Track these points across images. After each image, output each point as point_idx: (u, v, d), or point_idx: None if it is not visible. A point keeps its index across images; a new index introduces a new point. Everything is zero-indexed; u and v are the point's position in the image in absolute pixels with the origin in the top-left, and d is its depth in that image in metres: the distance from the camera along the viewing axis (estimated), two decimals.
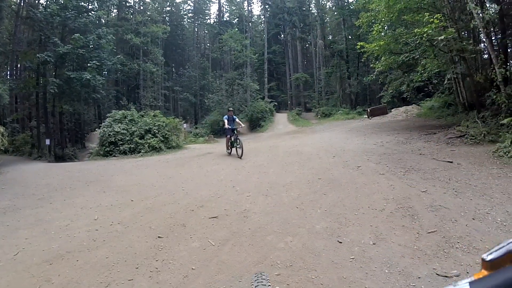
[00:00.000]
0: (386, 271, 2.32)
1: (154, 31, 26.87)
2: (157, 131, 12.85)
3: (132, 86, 28.87)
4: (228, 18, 40.62)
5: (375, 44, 9.49)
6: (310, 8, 35.55)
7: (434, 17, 7.30)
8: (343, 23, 26.03)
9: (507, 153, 5.15)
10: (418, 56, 9.39)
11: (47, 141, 17.48)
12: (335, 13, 28.39)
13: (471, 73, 8.71)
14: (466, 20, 8.09)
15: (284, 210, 3.79)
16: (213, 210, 3.98)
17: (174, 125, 14.23)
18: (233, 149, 8.42)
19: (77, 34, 17.17)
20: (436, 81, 13.03)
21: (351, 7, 24.42)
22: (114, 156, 11.92)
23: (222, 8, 40.98)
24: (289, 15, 31.78)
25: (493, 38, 8.25)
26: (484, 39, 7.90)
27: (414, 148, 6.88)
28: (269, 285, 0.77)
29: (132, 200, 4.76)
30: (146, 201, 4.70)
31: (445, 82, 10.96)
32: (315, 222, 3.35)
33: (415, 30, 7.75)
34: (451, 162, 5.25)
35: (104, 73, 22.66)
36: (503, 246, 0.34)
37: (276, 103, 29.34)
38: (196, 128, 24.97)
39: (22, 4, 18.84)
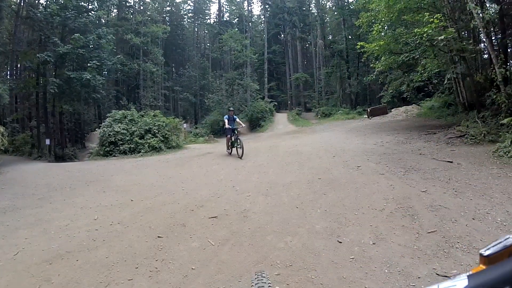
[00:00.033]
0: (386, 271, 2.32)
1: (154, 31, 26.87)
2: (157, 131, 12.85)
3: (132, 86, 28.87)
4: (228, 18, 40.60)
5: (375, 44, 9.49)
6: (310, 8, 35.57)
7: (434, 17, 7.30)
8: (343, 23, 26.01)
9: (507, 153, 5.14)
10: (418, 56, 9.40)
11: (47, 141, 17.48)
12: (335, 13, 28.38)
13: (471, 73, 8.70)
14: (466, 20, 8.09)
15: (284, 210, 3.79)
16: (213, 210, 3.98)
17: (174, 125, 14.24)
18: (233, 149, 8.39)
19: (77, 34, 17.17)
20: (436, 81, 13.03)
21: (351, 7, 24.41)
22: (114, 156, 11.93)
23: (222, 8, 41.00)
24: (289, 15, 31.77)
25: (493, 38, 8.24)
26: (484, 39, 7.90)
27: (414, 148, 6.88)
28: (269, 284, 0.77)
29: (132, 200, 4.76)
30: (146, 201, 4.70)
31: (445, 82, 10.95)
32: (315, 222, 3.35)
33: (415, 30, 7.75)
34: (451, 162, 5.25)
35: (104, 73, 22.67)
36: (500, 242, 0.35)
37: (276, 103, 29.33)
38: (196, 128, 24.97)
39: (22, 4, 18.83)
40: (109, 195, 5.20)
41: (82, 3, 20.40)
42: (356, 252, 2.63)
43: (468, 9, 7.14)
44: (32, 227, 3.76)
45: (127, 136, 12.44)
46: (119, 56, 22.28)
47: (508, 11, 8.01)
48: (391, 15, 8.93)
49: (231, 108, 9.35)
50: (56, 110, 19.31)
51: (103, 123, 13.40)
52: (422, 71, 10.28)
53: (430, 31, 7.41)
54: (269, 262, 2.60)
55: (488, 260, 0.35)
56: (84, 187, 6.07)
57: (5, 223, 3.98)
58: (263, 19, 36.26)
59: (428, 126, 9.85)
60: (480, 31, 7.71)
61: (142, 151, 12.01)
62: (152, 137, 12.60)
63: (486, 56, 9.06)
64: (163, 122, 13.47)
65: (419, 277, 2.21)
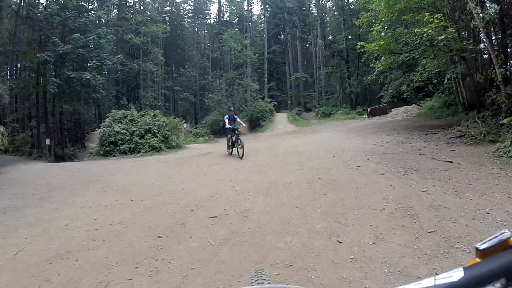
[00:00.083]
0: (386, 271, 2.32)
1: (154, 31, 26.86)
2: (157, 131, 12.86)
3: (132, 86, 28.88)
4: (228, 18, 40.60)
5: (375, 44, 9.49)
6: (310, 8, 35.57)
7: (434, 17, 7.30)
8: (343, 23, 26.02)
9: (507, 153, 5.14)
10: (418, 56, 9.40)
11: (47, 141, 17.48)
12: (335, 13, 28.38)
13: (471, 73, 8.70)
14: (466, 20, 8.09)
15: (284, 210, 3.79)
16: (213, 210, 3.98)
17: (174, 125, 14.24)
18: (234, 149, 8.34)
19: (77, 34, 17.17)
20: (436, 81, 13.03)
21: (351, 7, 24.41)
22: (114, 156, 11.93)
23: (222, 8, 41.00)
24: (289, 15, 31.77)
25: (493, 38, 8.24)
26: (484, 39, 7.90)
27: (414, 148, 6.88)
28: (269, 282, 0.77)
29: (132, 200, 4.76)
30: (145, 200, 4.70)
31: (445, 82, 10.95)
32: (315, 222, 3.35)
33: (415, 30, 7.75)
34: (451, 162, 5.25)
35: (104, 73, 22.69)
36: (495, 237, 0.36)
37: (276, 103, 29.32)
38: (196, 128, 24.98)
39: (22, 4, 18.83)
40: (109, 195, 5.20)
41: (82, 3, 20.40)
42: (356, 252, 2.63)
43: (468, 9, 7.14)
44: (32, 227, 3.76)
45: (127, 136, 12.44)
46: (119, 56, 22.28)
47: (508, 11, 8.01)
48: (391, 15, 8.93)
49: (232, 108, 9.26)
50: (56, 110, 19.31)
51: (103, 123, 13.40)
52: (422, 71, 10.28)
53: (430, 31, 7.41)
54: (269, 262, 2.59)
55: (483, 254, 0.35)
56: (84, 187, 6.07)
57: (5, 223, 3.98)
58: (263, 19, 36.27)
59: (428, 126, 9.85)
60: (480, 31, 7.71)
61: (142, 151, 12.01)
62: (152, 137, 12.61)
63: (486, 56, 9.06)
64: (163, 122, 13.47)
65: (419, 277, 2.21)
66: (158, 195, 5.00)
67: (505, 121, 6.31)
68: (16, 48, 18.58)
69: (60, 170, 8.74)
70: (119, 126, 12.60)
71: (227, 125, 8.09)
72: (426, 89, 15.38)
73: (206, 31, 42.61)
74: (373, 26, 9.94)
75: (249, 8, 40.74)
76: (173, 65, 37.77)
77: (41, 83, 18.81)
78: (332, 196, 4.12)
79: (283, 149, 8.71)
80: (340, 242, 2.83)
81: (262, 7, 36.38)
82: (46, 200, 5.11)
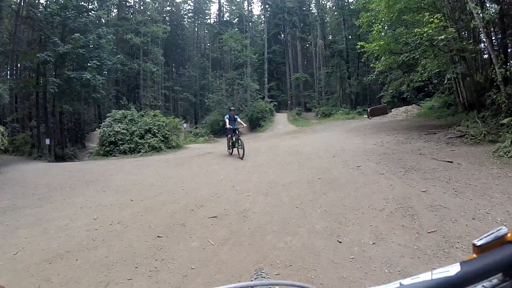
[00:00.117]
0: (386, 270, 2.32)
1: (154, 31, 26.87)
2: (157, 131, 12.86)
3: (132, 85, 28.88)
4: (228, 18, 40.61)
5: (375, 44, 9.49)
6: (310, 8, 35.57)
7: (434, 17, 7.30)
8: (343, 23, 26.02)
9: (507, 153, 5.14)
10: (418, 56, 9.40)
11: (47, 141, 17.49)
12: (335, 13, 28.40)
13: (471, 73, 8.70)
14: (466, 20, 8.09)
15: (283, 210, 3.79)
16: (213, 210, 3.98)
17: (174, 125, 14.25)
18: (234, 149, 8.29)
19: (77, 34, 17.17)
20: (436, 81, 13.03)
21: (351, 7, 24.41)
22: (114, 155, 11.93)
23: (222, 8, 41.01)
24: (289, 15, 31.77)
25: (493, 38, 8.24)
26: (484, 39, 7.90)
27: (414, 148, 6.88)
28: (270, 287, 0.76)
29: (131, 200, 4.76)
30: (145, 200, 4.70)
31: (445, 82, 10.96)
32: (314, 221, 3.35)
33: (415, 30, 7.75)
34: (451, 162, 5.25)
35: (104, 73, 22.69)
36: (492, 233, 0.36)
37: (276, 103, 29.33)
38: (196, 128, 24.98)
39: (22, 3, 18.84)
40: (109, 195, 5.20)
41: (82, 3, 20.41)
42: (356, 252, 2.63)
43: (468, 9, 7.14)
44: (32, 227, 3.76)
45: (127, 136, 12.45)
46: (119, 56, 22.28)
47: (508, 11, 8.01)
48: (391, 15, 8.93)
49: (232, 108, 9.15)
50: (56, 110, 19.31)
51: (103, 123, 13.40)
52: (422, 71, 10.27)
53: (430, 31, 7.41)
54: (268, 262, 2.59)
55: (480, 249, 0.36)
56: (84, 187, 6.07)
57: (5, 222, 3.97)
58: (263, 19, 36.28)
59: (428, 126, 9.85)
60: (480, 31, 7.71)
61: (142, 151, 12.02)
62: (152, 137, 12.61)
63: (486, 56, 9.06)
64: (163, 122, 13.47)
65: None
66: (158, 195, 5.00)
67: (505, 121, 6.31)
68: (16, 48, 18.59)
69: (60, 170, 8.74)
70: (119, 126, 12.60)
71: (228, 125, 8.04)
72: (426, 89, 15.39)
73: (206, 31, 42.62)
74: (373, 26, 9.94)
75: (249, 8, 40.80)
76: (173, 65, 37.78)
77: (41, 83, 18.82)
78: (332, 196, 4.12)
79: (283, 149, 8.71)
80: (340, 242, 2.83)
81: (262, 7, 36.43)
82: (46, 200, 5.11)
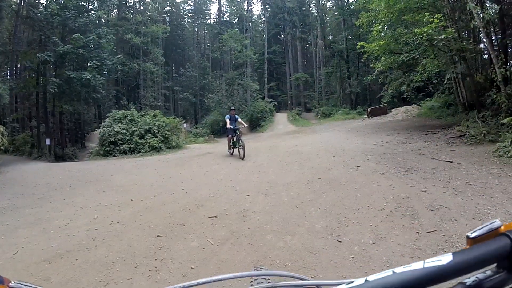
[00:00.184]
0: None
1: (154, 31, 26.87)
2: (157, 131, 12.85)
3: (132, 86, 28.88)
4: (228, 18, 40.62)
5: (375, 44, 9.49)
6: (310, 8, 35.56)
7: (434, 17, 7.30)
8: (343, 23, 26.01)
9: (507, 152, 5.14)
10: (418, 56, 9.40)
11: (47, 141, 17.48)
12: (335, 13, 28.40)
13: (471, 73, 8.70)
14: (466, 20, 8.09)
15: (283, 210, 3.79)
16: (213, 210, 3.98)
17: (174, 125, 14.24)
18: (235, 149, 8.23)
19: (77, 34, 17.17)
20: (436, 81, 13.03)
21: (351, 7, 24.42)
22: (114, 155, 11.93)
23: (222, 8, 41.02)
24: (289, 15, 31.77)
25: (493, 38, 8.24)
26: (484, 39, 7.90)
27: (414, 148, 6.88)
28: (269, 281, 0.78)
29: (131, 200, 4.76)
30: (145, 200, 4.70)
31: (445, 82, 10.95)
32: (314, 221, 3.35)
33: (415, 30, 7.75)
34: (451, 161, 5.25)
35: (104, 73, 22.65)
36: (486, 225, 0.37)
37: (276, 103, 29.31)
38: (196, 128, 24.98)
39: (22, 3, 18.83)
40: (109, 195, 5.20)
41: (82, 3, 20.42)
42: (356, 252, 2.63)
43: (468, 9, 7.14)
44: (32, 227, 3.76)
45: (127, 136, 12.44)
46: (119, 56, 22.28)
47: (508, 11, 8.01)
48: (391, 15, 8.93)
49: (233, 108, 9.06)
50: (56, 110, 19.31)
51: (103, 123, 13.40)
52: (422, 71, 10.27)
53: (430, 31, 7.41)
54: (268, 261, 2.59)
55: (474, 241, 0.36)
56: (84, 186, 6.07)
57: (5, 222, 3.97)
58: (263, 19, 36.29)
59: (428, 126, 9.85)
60: (480, 31, 7.72)
61: (142, 151, 12.01)
62: (152, 137, 12.60)
63: (486, 56, 9.06)
64: (163, 122, 13.47)
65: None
66: (158, 195, 5.00)
67: (505, 121, 6.31)
68: (16, 48, 18.58)
69: (60, 170, 8.74)
70: (119, 126, 12.60)
71: (228, 125, 7.97)
72: (426, 89, 15.38)
73: (206, 31, 42.63)
74: (373, 26, 9.94)
75: (249, 8, 40.81)
76: (173, 65, 37.79)
77: (41, 83, 18.81)
78: (332, 196, 4.12)
79: (283, 149, 8.71)
80: (340, 242, 2.83)
81: (262, 7, 36.43)
82: (46, 199, 5.11)
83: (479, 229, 0.37)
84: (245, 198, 4.38)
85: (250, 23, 38.59)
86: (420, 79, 11.05)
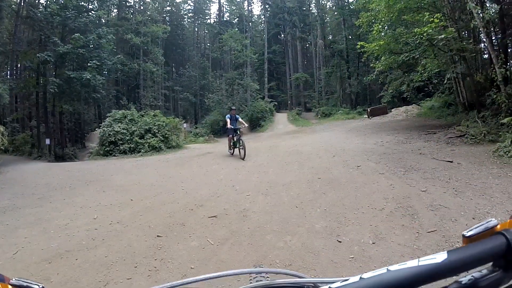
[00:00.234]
0: None
1: (154, 31, 26.86)
2: (157, 131, 12.85)
3: (132, 85, 28.88)
4: (228, 18, 40.60)
5: (375, 44, 9.49)
6: (310, 8, 35.55)
7: (434, 17, 7.30)
8: (343, 23, 26.01)
9: (507, 152, 5.14)
10: (418, 56, 9.39)
11: (47, 141, 17.48)
12: (335, 13, 28.39)
13: (471, 72, 8.70)
14: (466, 19, 8.08)
15: (283, 210, 3.79)
16: (213, 210, 3.97)
17: (174, 124, 14.24)
18: (235, 149, 8.18)
19: (77, 34, 17.17)
20: (436, 81, 13.03)
21: (351, 7, 24.41)
22: (114, 155, 11.93)
23: (222, 8, 41.00)
24: (289, 15, 31.76)
25: (493, 37, 8.24)
26: (484, 39, 7.90)
27: (414, 147, 6.88)
28: (268, 278, 0.78)
29: (131, 200, 4.76)
30: (145, 200, 4.69)
31: (445, 82, 10.95)
32: (314, 221, 3.35)
33: (415, 30, 7.75)
34: (451, 161, 5.24)
35: (104, 73, 22.66)
36: (482, 224, 0.37)
37: (276, 103, 29.31)
38: (196, 128, 24.97)
39: (22, 3, 18.83)
40: (109, 195, 5.20)
41: (82, 3, 20.42)
42: (355, 252, 2.63)
43: (468, 9, 7.13)
44: (32, 227, 3.76)
45: (127, 136, 12.44)
46: (119, 56, 22.27)
47: (508, 11, 8.01)
48: (391, 15, 8.93)
49: (233, 107, 8.95)
50: (56, 110, 19.31)
51: (103, 123, 13.41)
52: (422, 71, 10.27)
53: (430, 30, 7.41)
54: (268, 261, 2.59)
55: (470, 240, 0.36)
56: (84, 186, 6.07)
57: (5, 222, 3.97)
58: (263, 19, 36.28)
59: (428, 126, 9.84)
60: (480, 31, 7.71)
61: (142, 150, 12.01)
62: (152, 137, 12.60)
63: (486, 56, 9.06)
64: (163, 122, 13.47)
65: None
66: (158, 194, 5.00)
67: (505, 120, 6.31)
68: (16, 48, 18.58)
69: (60, 170, 8.74)
70: (119, 126, 12.60)
71: (229, 125, 7.90)
72: (426, 89, 15.38)
73: (206, 31, 42.61)
74: (373, 26, 9.94)
75: (249, 8, 40.79)
76: (173, 65, 37.78)
77: (41, 83, 18.81)
78: (332, 196, 4.12)
79: (283, 149, 8.71)
80: (340, 242, 2.83)
81: (262, 7, 36.42)
82: (46, 199, 5.11)
83: (475, 228, 0.37)
84: (245, 198, 4.38)
85: (250, 23, 38.58)
86: (420, 79, 11.05)
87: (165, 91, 30.84)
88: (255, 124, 22.53)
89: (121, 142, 12.25)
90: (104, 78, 21.16)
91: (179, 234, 3.28)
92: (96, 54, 18.85)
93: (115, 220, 3.84)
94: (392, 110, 17.12)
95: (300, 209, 3.74)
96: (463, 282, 0.34)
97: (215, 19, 41.99)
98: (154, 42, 28.25)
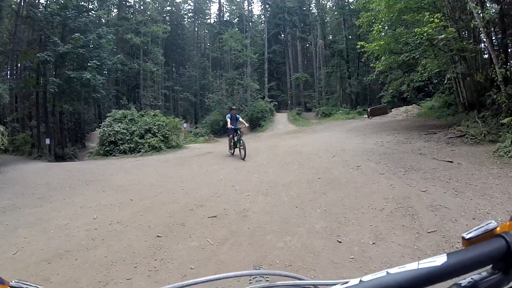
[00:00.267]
0: None
1: (154, 31, 26.86)
2: (157, 131, 12.86)
3: (132, 85, 28.88)
4: (228, 18, 40.61)
5: (375, 43, 9.48)
6: (311, 8, 35.53)
7: (434, 17, 7.29)
8: (344, 22, 26.02)
9: (507, 152, 5.14)
10: (418, 56, 9.39)
11: (47, 141, 17.48)
12: (336, 12, 28.39)
13: (471, 72, 8.69)
14: (466, 19, 8.08)
15: (283, 210, 3.78)
16: (213, 210, 3.97)
17: (174, 124, 14.24)
18: (236, 149, 8.13)
19: (77, 34, 17.17)
20: (436, 81, 13.03)
21: (351, 7, 24.40)
22: (114, 155, 11.93)
23: (222, 8, 41.01)
24: (289, 15, 31.76)
25: (493, 37, 8.23)
26: (485, 39, 7.89)
27: (414, 147, 6.87)
28: (267, 280, 0.78)
29: (131, 200, 4.75)
30: (145, 200, 4.69)
31: (445, 82, 10.95)
32: (314, 221, 3.35)
33: (415, 30, 7.75)
34: (451, 161, 5.24)
35: (104, 73, 22.66)
36: (482, 226, 0.37)
37: (276, 103, 29.31)
38: (196, 127, 24.97)
39: (22, 3, 18.83)
40: (109, 195, 5.19)
41: (82, 2, 20.41)
42: (355, 252, 2.62)
43: (468, 8, 7.13)
44: (32, 227, 3.76)
45: (127, 136, 12.44)
46: (119, 55, 22.26)
47: (509, 11, 8.00)
48: (391, 15, 8.92)
49: (234, 107, 8.85)
50: (56, 109, 19.31)
51: (103, 123, 13.41)
52: (422, 71, 10.27)
53: (430, 30, 7.41)
54: (268, 261, 2.59)
55: (469, 242, 0.36)
56: (84, 186, 6.06)
57: (5, 222, 3.97)
58: (263, 19, 36.27)
59: (428, 126, 9.84)
60: (480, 31, 7.70)
61: (142, 150, 12.01)
62: (152, 137, 12.60)
63: (486, 56, 9.05)
64: (163, 121, 13.47)
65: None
66: (158, 194, 5.00)
67: (505, 121, 6.30)
68: (16, 48, 18.58)
69: (60, 170, 8.73)
70: (119, 126, 12.60)
71: (229, 125, 7.84)
72: (426, 89, 15.38)
73: (206, 31, 42.62)
74: (373, 26, 9.93)
75: (249, 8, 40.76)
76: (173, 65, 37.78)
77: (41, 82, 18.81)
78: (332, 196, 4.12)
79: (283, 148, 8.70)
80: (340, 242, 2.83)
81: (262, 7, 36.38)
82: (45, 199, 5.11)
83: (475, 230, 0.37)
84: (245, 198, 4.37)
85: (250, 23, 38.54)
86: (420, 79, 11.05)
87: (165, 91, 30.84)
88: (255, 124, 22.54)
89: (121, 142, 12.26)
90: (104, 78, 21.16)
91: (179, 234, 3.28)
92: (96, 54, 18.85)
93: (115, 220, 3.83)
94: (392, 110, 17.12)
95: (300, 209, 3.73)
96: (462, 285, 0.34)
97: (215, 19, 42.03)
98: (154, 42, 28.25)
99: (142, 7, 31.75)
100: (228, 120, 7.98)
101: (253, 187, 4.91)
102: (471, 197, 3.59)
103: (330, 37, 32.53)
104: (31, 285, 0.45)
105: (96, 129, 16.53)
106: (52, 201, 4.99)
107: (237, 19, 38.23)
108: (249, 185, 5.09)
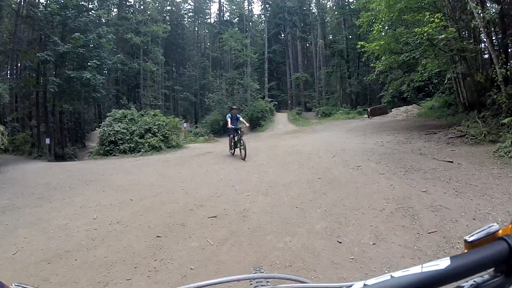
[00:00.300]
0: (386, 271, 2.30)
1: (154, 31, 26.86)
2: (157, 131, 12.86)
3: (132, 85, 28.87)
4: (228, 18, 40.62)
5: (376, 43, 9.47)
6: (311, 8, 35.52)
7: (435, 17, 7.28)
8: (344, 22, 26.01)
9: (507, 153, 5.13)
10: (418, 56, 9.38)
11: (47, 140, 17.49)
12: (336, 12, 28.38)
13: (471, 73, 8.69)
14: (466, 19, 8.07)
15: (283, 210, 3.78)
16: (213, 210, 3.97)
17: (174, 124, 14.25)
18: (236, 149, 8.11)
19: (77, 33, 17.17)
20: (436, 81, 13.02)
21: (352, 7, 24.40)
22: (114, 155, 11.93)
23: (222, 8, 41.01)
24: (290, 15, 31.75)
25: (493, 37, 8.22)
26: (485, 39, 7.88)
27: (414, 148, 6.87)
28: (268, 283, 0.77)
29: (131, 200, 4.75)
30: (145, 200, 4.69)
31: (446, 82, 10.95)
32: (314, 222, 3.34)
33: (416, 30, 7.74)
34: (452, 162, 5.23)
35: (104, 72, 22.67)
36: (484, 229, 0.37)
37: (276, 103, 29.31)
38: (196, 127, 24.98)
39: (22, 3, 18.82)
40: (109, 195, 5.19)
41: (82, 2, 20.43)
42: (356, 253, 2.62)
43: (468, 8, 7.12)
44: (31, 227, 3.76)
45: (127, 136, 12.45)
46: (119, 55, 22.29)
47: (509, 11, 7.99)
48: (392, 15, 8.91)
49: (234, 107, 8.77)
50: (56, 109, 19.31)
51: (103, 123, 13.41)
52: (423, 71, 10.26)
53: (431, 30, 7.40)
54: (268, 262, 2.58)
55: (472, 245, 0.36)
56: (84, 186, 6.06)
57: (4, 222, 3.97)
58: (264, 18, 36.25)
59: (429, 126, 9.83)
60: (480, 31, 7.69)
61: (142, 150, 12.01)
62: (152, 137, 12.61)
63: (486, 56, 9.05)
64: (163, 121, 13.47)
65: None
66: (158, 194, 4.99)
67: (505, 121, 6.29)
68: (16, 48, 18.58)
69: (60, 170, 8.73)
70: (119, 126, 12.60)
71: (230, 125, 7.80)
72: (427, 89, 15.37)
73: (206, 31, 42.62)
74: (374, 25, 9.92)
75: (250, 7, 40.74)
76: (173, 64, 37.78)
77: (41, 82, 18.82)
78: (332, 196, 4.11)
79: (283, 148, 8.70)
80: (340, 242, 2.82)
81: (262, 6, 36.38)
82: (45, 199, 5.10)
83: (477, 233, 0.37)
84: (245, 198, 4.37)
85: (250, 23, 38.52)
86: (420, 79, 11.04)
87: (165, 91, 30.85)
88: (255, 124, 22.54)
89: (121, 141, 12.26)
90: (104, 77, 21.17)
91: (179, 235, 3.28)
92: (96, 54, 18.84)
93: (114, 220, 3.83)
94: (392, 110, 17.12)
95: (300, 210, 3.73)
96: None
97: (215, 19, 42.04)
98: (154, 41, 28.25)
99: (142, 7, 31.74)
100: (229, 120, 7.94)
101: (253, 187, 4.90)
102: (472, 197, 3.59)
103: (330, 37, 32.53)
104: None
105: (96, 128, 16.55)
106: (52, 201, 4.99)
107: (237, 18, 38.23)
108: (249, 185, 5.09)
